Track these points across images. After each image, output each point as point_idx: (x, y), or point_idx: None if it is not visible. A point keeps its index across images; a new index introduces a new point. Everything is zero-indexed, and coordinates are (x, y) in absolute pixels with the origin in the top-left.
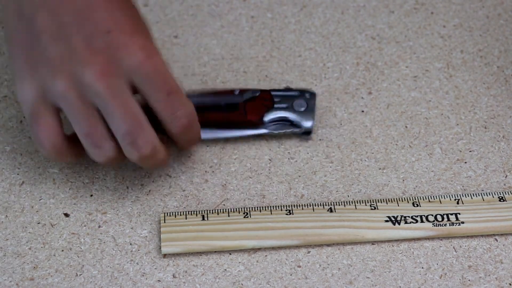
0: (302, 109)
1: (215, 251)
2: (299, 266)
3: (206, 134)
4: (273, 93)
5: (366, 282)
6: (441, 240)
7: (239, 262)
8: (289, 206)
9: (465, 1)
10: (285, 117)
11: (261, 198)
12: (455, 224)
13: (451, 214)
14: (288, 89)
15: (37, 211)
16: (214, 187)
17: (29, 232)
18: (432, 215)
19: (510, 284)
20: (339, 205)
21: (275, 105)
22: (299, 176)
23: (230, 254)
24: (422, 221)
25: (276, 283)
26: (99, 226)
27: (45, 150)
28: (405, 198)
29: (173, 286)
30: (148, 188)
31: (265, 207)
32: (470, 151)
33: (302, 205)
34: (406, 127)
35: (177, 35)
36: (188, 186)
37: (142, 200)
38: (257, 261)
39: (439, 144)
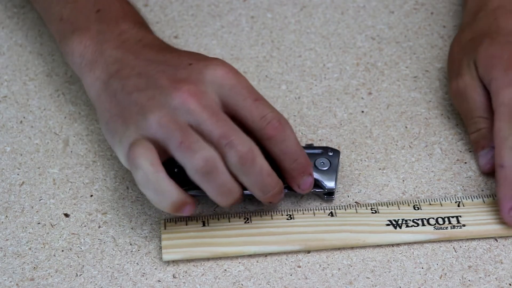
0: (325, 168)
1: (217, 257)
2: (299, 266)
3: None
4: None
5: (366, 283)
6: (442, 241)
7: (239, 262)
8: (289, 210)
9: None
10: None
11: None
12: (456, 227)
13: (452, 217)
14: (310, 147)
15: (37, 211)
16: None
17: (29, 233)
18: (433, 218)
19: (510, 284)
20: (339, 209)
21: None
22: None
23: None
24: (423, 225)
25: (276, 283)
26: (99, 227)
27: (144, 170)
28: (406, 201)
29: (173, 286)
30: None
31: (265, 211)
32: (470, 152)
33: (303, 210)
34: (406, 127)
35: (177, 35)
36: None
37: (142, 200)
38: (257, 261)
39: (439, 144)
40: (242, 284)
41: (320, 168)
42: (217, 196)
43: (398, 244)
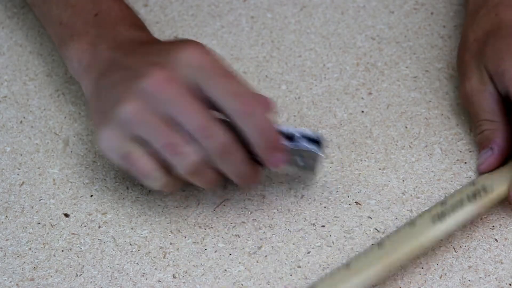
0: (303, 164)
1: None
2: (299, 267)
3: None
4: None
5: None
6: (441, 240)
7: (239, 262)
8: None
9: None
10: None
11: (261, 198)
12: (489, 193)
13: (478, 188)
14: (299, 134)
15: (37, 212)
16: (214, 187)
17: (29, 233)
18: (464, 197)
19: (510, 284)
20: (383, 238)
21: None
22: (299, 176)
23: (230, 254)
24: (461, 205)
25: (276, 283)
26: (99, 227)
27: (151, 178)
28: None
29: (173, 286)
30: (148, 188)
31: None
32: (470, 152)
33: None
34: (406, 127)
35: (177, 35)
36: (188, 186)
37: (142, 200)
38: (257, 261)
39: (439, 144)
40: (242, 284)
41: (299, 164)
42: (204, 185)
43: None
